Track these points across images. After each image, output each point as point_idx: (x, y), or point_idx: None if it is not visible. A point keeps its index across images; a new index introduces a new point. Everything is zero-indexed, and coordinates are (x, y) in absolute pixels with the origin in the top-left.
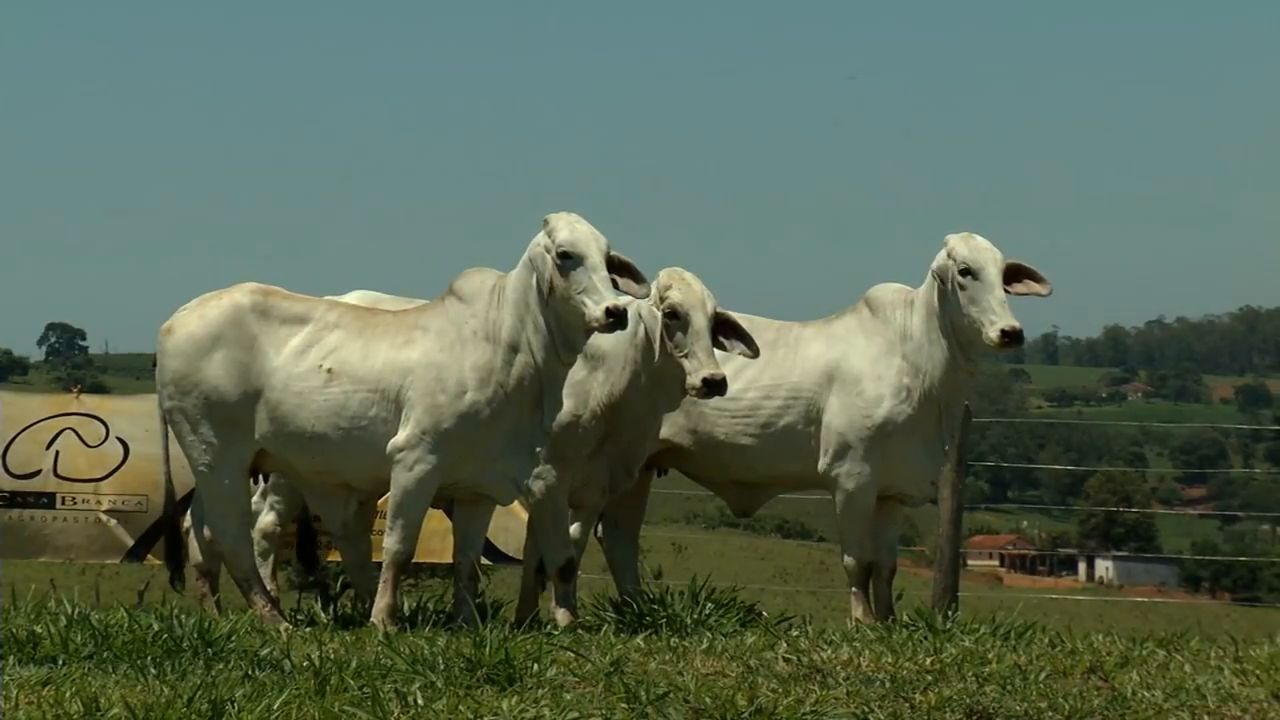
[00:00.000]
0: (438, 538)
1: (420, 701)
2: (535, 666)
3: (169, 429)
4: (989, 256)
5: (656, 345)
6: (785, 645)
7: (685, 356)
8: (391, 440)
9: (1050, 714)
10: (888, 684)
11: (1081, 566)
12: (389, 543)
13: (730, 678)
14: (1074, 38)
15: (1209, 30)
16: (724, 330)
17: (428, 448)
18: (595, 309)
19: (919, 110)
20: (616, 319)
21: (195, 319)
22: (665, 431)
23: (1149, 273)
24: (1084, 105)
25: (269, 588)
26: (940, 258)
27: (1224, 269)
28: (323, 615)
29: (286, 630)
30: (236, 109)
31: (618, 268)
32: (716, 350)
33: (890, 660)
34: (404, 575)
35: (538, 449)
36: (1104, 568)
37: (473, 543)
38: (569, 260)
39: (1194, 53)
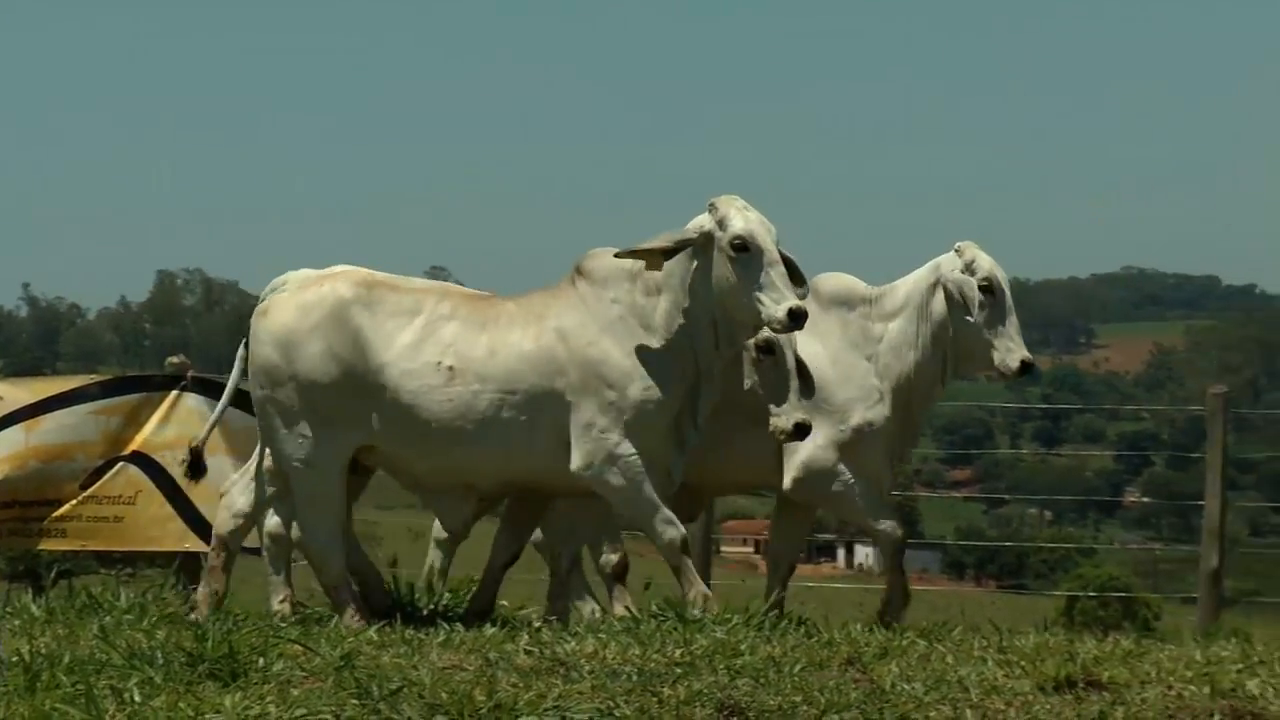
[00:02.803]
0: (157, 525)
1: (137, 698)
2: (261, 661)
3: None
4: (1003, 275)
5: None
6: (527, 637)
7: (771, 399)
8: (574, 462)
9: (805, 708)
10: (635, 677)
11: (840, 553)
12: (659, 540)
13: (468, 671)
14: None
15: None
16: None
17: (616, 444)
18: (777, 309)
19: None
20: (797, 321)
21: (293, 307)
22: None
23: (916, 249)
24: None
25: (284, 594)
26: (953, 264)
27: (989, 243)
28: (34, 608)
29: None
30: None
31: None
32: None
33: (638, 652)
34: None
35: (692, 444)
36: (864, 554)
37: (578, 535)
38: (745, 253)
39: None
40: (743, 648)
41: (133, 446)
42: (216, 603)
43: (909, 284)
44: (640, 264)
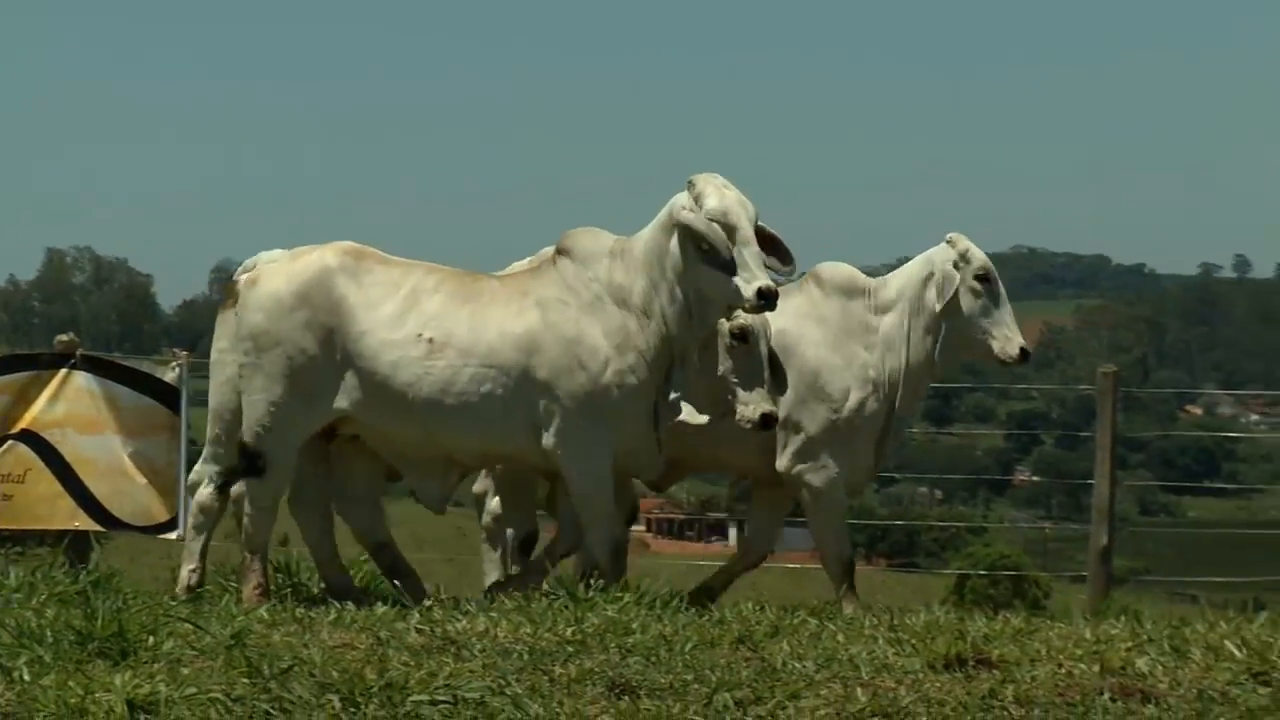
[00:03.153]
0: (46, 503)
1: (26, 677)
2: (151, 639)
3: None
4: (994, 269)
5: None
6: (418, 616)
7: (740, 386)
8: (545, 436)
9: (696, 686)
10: (526, 656)
11: (732, 532)
12: (590, 540)
13: (359, 650)
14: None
15: None
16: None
17: (585, 430)
18: (747, 288)
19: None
20: (768, 301)
21: (281, 275)
22: None
23: (811, 222)
24: None
25: (194, 566)
26: (946, 255)
27: (880, 221)
28: None
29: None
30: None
31: (764, 241)
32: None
33: (529, 631)
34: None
35: (670, 423)
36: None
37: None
38: (726, 229)
39: None
40: (634, 626)
41: (22, 425)
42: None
43: (901, 278)
44: (622, 243)
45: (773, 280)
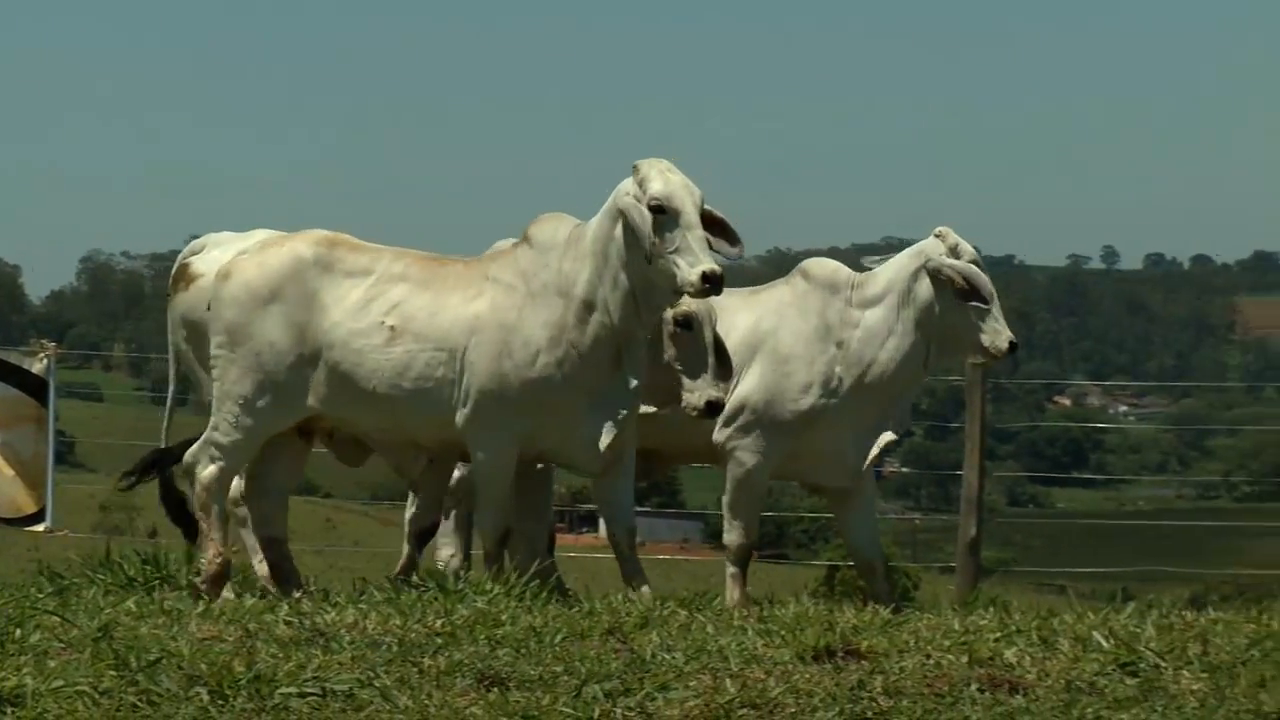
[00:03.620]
0: None
1: None
2: (18, 632)
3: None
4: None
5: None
6: (287, 608)
7: (685, 373)
8: (459, 414)
9: (566, 678)
10: (395, 647)
11: (602, 523)
12: (478, 520)
13: (228, 642)
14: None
15: None
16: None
17: (495, 419)
18: (690, 272)
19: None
20: (712, 285)
21: (254, 267)
22: None
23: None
24: None
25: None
26: (936, 249)
27: (755, 212)
28: None
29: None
30: None
31: (710, 224)
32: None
33: (399, 623)
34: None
35: (623, 412)
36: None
37: (623, 510)
38: (663, 215)
39: None
40: (504, 618)
41: None
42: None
43: (890, 271)
44: (580, 230)
45: (721, 264)
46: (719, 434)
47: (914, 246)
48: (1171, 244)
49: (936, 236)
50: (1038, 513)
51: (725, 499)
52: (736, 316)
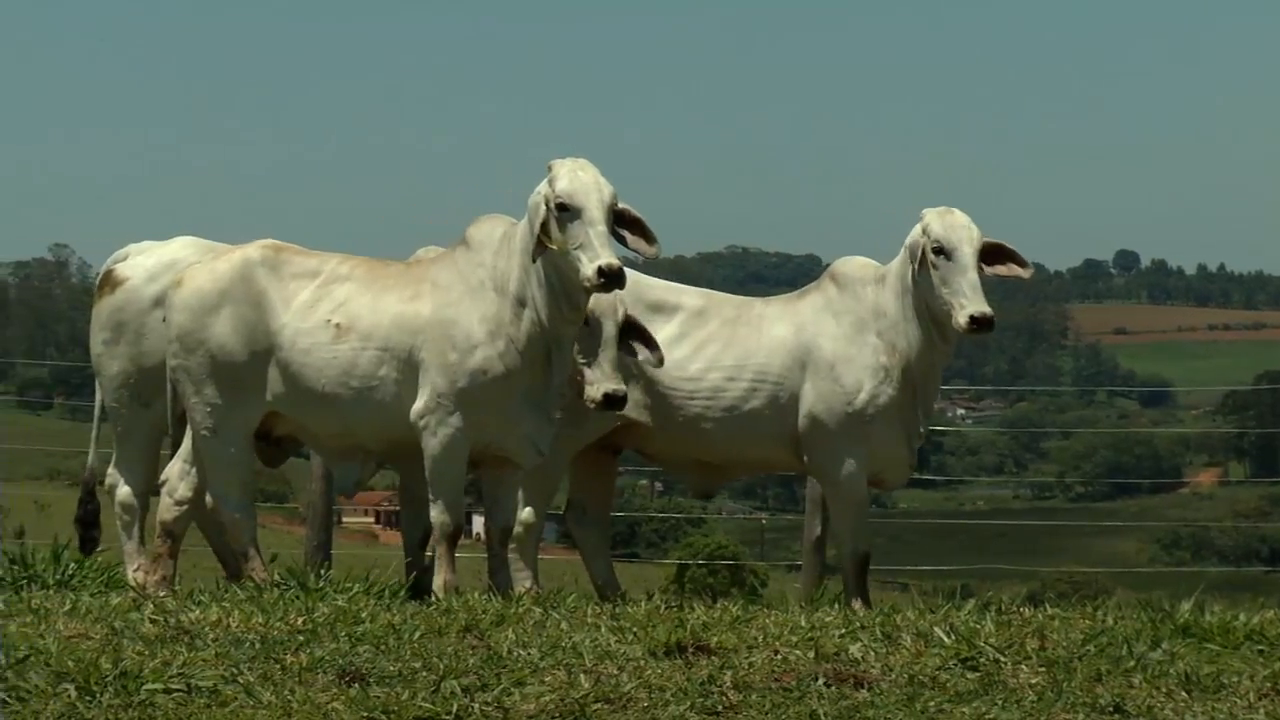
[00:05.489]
0: None
1: None
2: None
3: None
4: (964, 235)
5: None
6: (152, 606)
7: (587, 365)
8: (413, 407)
9: (424, 674)
10: (258, 645)
11: (477, 520)
12: (433, 515)
13: (94, 640)
14: None
15: None
16: (631, 334)
17: (447, 410)
18: (587, 267)
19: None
20: (609, 279)
21: (205, 274)
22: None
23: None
24: None
25: (139, 561)
26: (915, 233)
27: (716, 210)
28: None
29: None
30: None
31: (627, 223)
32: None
33: (261, 620)
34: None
35: (555, 412)
36: (481, 524)
37: (503, 507)
38: (566, 212)
39: None
40: (363, 615)
41: None
42: (168, 586)
43: (896, 259)
44: (514, 229)
45: (634, 260)
46: (806, 458)
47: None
48: None
49: (920, 219)
50: (880, 512)
51: (830, 520)
52: (775, 326)
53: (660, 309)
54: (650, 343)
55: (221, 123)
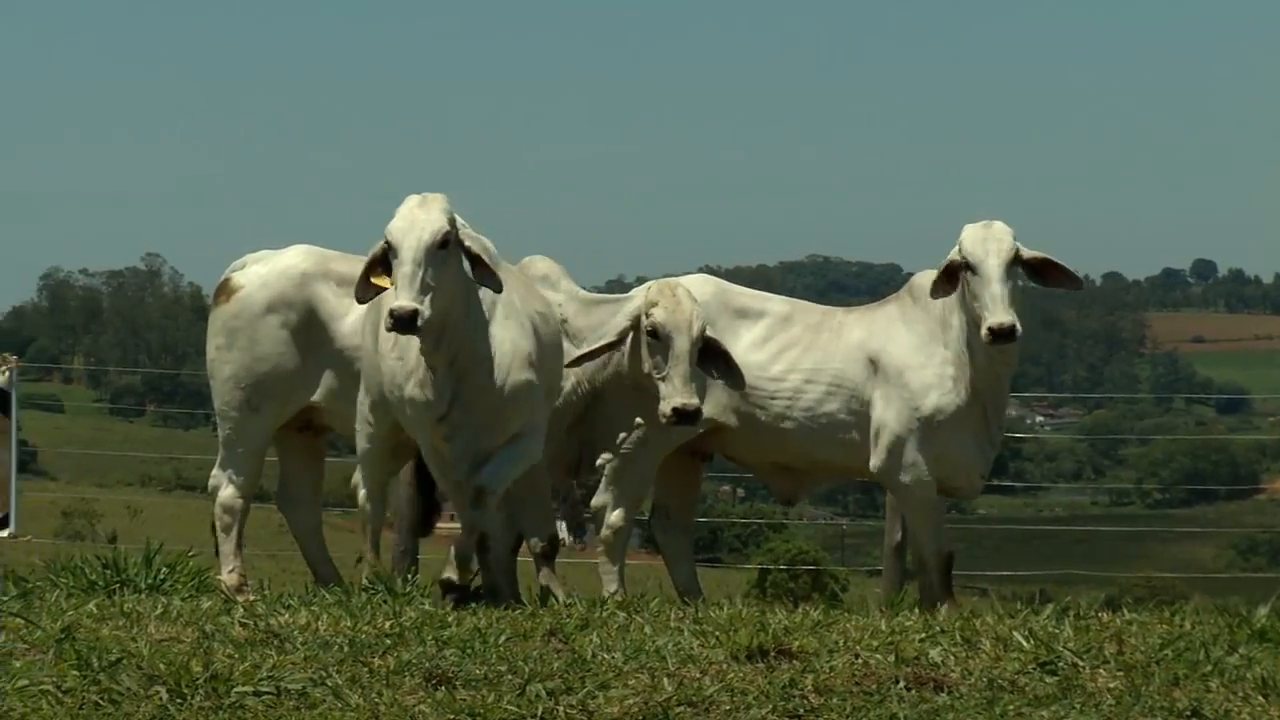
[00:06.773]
0: None
1: None
2: None
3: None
4: (991, 248)
5: (643, 356)
6: (242, 610)
7: (662, 379)
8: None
9: (510, 677)
10: (346, 648)
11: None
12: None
13: (185, 643)
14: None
15: None
16: (712, 358)
17: (368, 416)
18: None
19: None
20: (396, 321)
21: (253, 277)
22: (709, 410)
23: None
24: None
25: (233, 566)
26: (954, 250)
27: (688, 231)
28: None
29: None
30: None
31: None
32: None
33: (349, 624)
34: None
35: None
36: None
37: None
38: (390, 249)
39: None
40: (450, 619)
41: None
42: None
43: None
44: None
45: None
46: (874, 462)
47: None
48: (1085, 262)
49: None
50: (958, 518)
51: (907, 526)
52: (852, 332)
53: (746, 314)
54: (731, 366)
55: (317, 132)
